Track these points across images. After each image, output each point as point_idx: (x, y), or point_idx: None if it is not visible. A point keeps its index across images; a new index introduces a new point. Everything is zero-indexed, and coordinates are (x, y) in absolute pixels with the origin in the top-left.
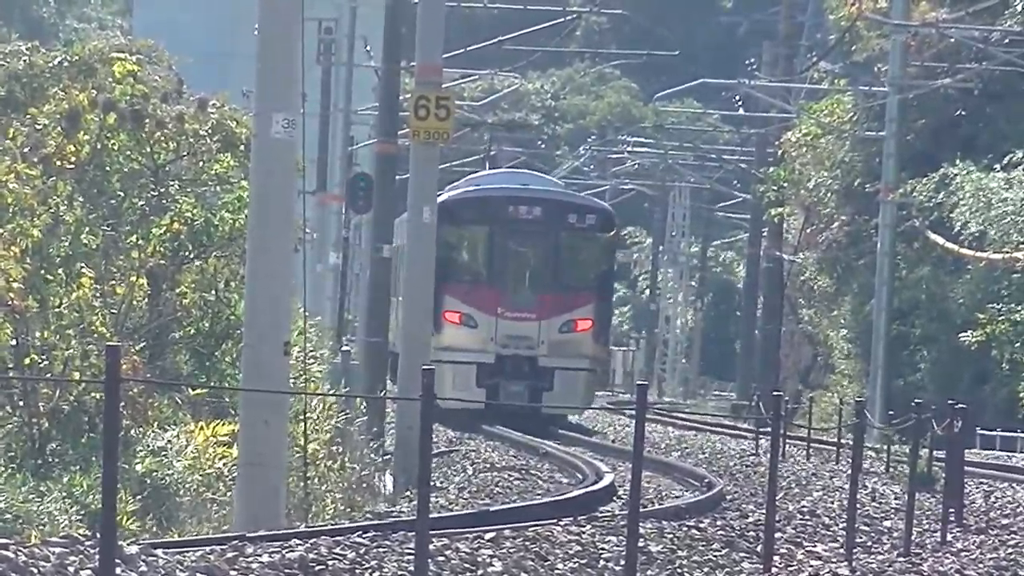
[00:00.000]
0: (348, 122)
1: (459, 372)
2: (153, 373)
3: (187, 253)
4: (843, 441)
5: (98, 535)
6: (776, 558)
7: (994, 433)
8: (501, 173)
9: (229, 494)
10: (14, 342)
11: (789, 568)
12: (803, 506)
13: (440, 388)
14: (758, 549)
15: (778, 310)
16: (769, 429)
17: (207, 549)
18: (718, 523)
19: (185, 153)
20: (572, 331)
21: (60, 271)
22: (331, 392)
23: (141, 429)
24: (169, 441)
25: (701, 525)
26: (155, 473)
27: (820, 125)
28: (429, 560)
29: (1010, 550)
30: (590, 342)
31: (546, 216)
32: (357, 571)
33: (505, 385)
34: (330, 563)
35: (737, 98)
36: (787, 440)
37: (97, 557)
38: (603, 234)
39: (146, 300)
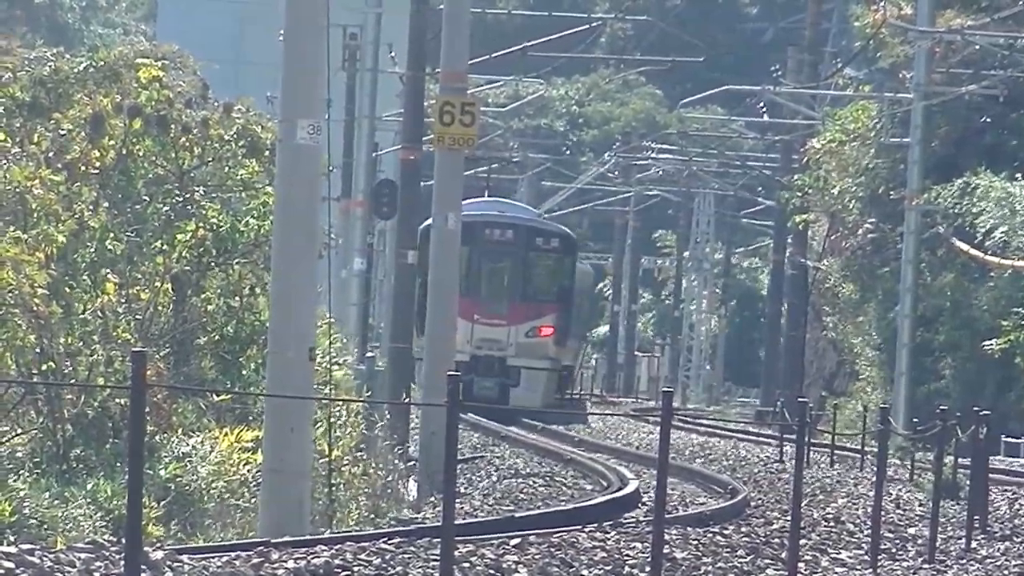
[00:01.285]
0: (373, 128)
1: None
2: (177, 379)
3: (212, 259)
4: (867, 448)
5: (123, 540)
6: (801, 565)
7: (1019, 440)
8: (484, 201)
9: (254, 500)
10: (38, 348)
11: (814, 574)
12: (828, 513)
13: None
14: (783, 556)
15: (802, 317)
16: (793, 436)
17: (232, 555)
18: (743, 530)
19: (210, 159)
20: (536, 336)
21: (85, 277)
22: (356, 398)
23: (165, 435)
24: (193, 447)
25: (726, 532)
26: (179, 479)
27: (844, 132)
28: (455, 566)
29: None
30: (552, 345)
31: (517, 238)
32: None
33: (478, 381)
34: (355, 569)
35: (762, 105)
36: (811, 447)
37: (122, 563)
38: (565, 255)
39: (171, 306)
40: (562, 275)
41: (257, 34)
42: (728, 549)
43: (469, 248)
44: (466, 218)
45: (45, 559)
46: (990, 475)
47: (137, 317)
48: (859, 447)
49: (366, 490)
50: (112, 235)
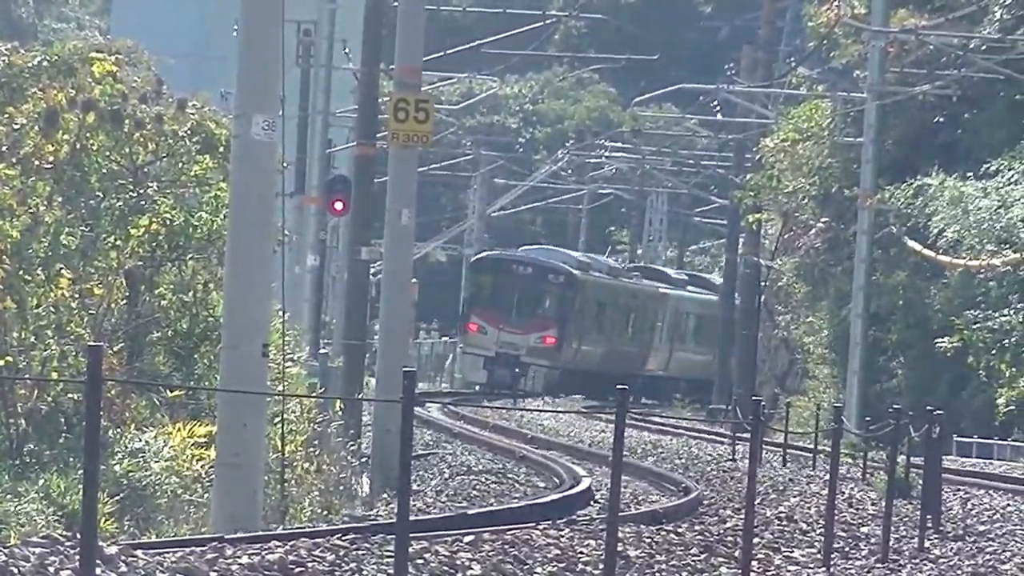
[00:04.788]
0: (327, 124)
1: (474, 360)
2: (131, 374)
3: (165, 254)
4: (820, 447)
5: (78, 535)
6: (754, 563)
7: (971, 440)
8: (533, 248)
9: (206, 496)
10: None
11: (767, 573)
12: (780, 511)
13: (463, 369)
14: (736, 554)
15: (755, 315)
16: (745, 434)
17: (187, 550)
18: (696, 528)
19: (164, 154)
20: (542, 343)
21: (38, 272)
22: (309, 394)
23: (119, 430)
24: (147, 442)
25: (679, 530)
26: (132, 474)
27: (798, 131)
28: (408, 563)
29: (987, 557)
30: (552, 351)
31: (534, 273)
32: (336, 573)
33: (499, 370)
34: (309, 565)
35: (715, 103)
36: (764, 445)
37: (77, 558)
38: (567, 288)
39: (124, 301)
40: (565, 301)
41: (215, 29)
42: (681, 547)
43: (500, 277)
44: (501, 256)
45: None
46: (943, 475)
47: (91, 312)
48: (811, 446)
49: (319, 486)
50: (66, 230)
